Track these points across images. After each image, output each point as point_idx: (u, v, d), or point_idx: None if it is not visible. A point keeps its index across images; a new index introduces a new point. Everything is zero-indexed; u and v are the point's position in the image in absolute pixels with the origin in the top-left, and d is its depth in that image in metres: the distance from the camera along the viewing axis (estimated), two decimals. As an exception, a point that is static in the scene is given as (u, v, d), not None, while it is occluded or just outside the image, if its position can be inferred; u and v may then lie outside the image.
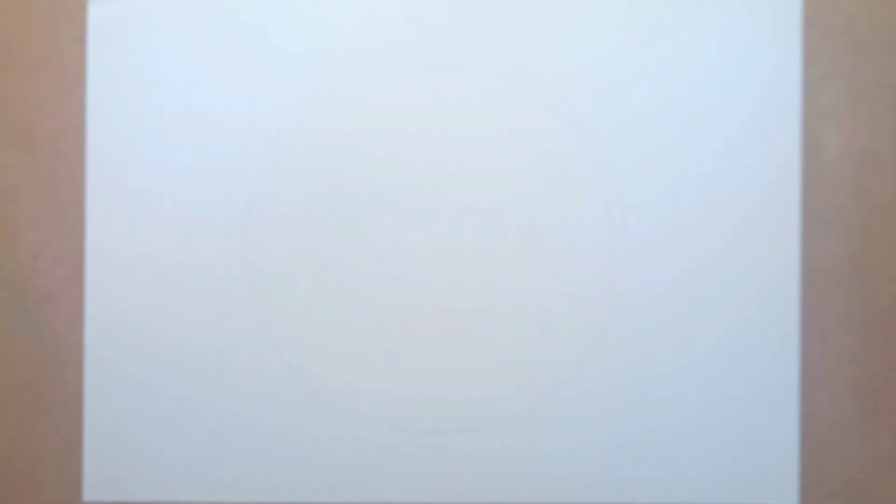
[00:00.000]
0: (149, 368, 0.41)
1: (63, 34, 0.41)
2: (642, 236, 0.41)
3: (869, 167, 0.42)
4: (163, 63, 0.41)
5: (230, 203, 0.41)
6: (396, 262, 0.41)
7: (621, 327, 0.41)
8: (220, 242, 0.41)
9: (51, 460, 0.41)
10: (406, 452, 0.41)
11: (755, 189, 0.41)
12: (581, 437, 0.41)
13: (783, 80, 0.42)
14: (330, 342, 0.41)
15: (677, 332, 0.41)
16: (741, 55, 0.42)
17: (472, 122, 0.42)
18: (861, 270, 0.41)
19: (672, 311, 0.41)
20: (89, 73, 0.41)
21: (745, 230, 0.41)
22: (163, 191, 0.41)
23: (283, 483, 0.41)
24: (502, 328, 0.41)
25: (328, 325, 0.41)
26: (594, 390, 0.41)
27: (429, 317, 0.41)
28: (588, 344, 0.41)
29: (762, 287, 0.41)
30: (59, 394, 0.41)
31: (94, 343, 0.41)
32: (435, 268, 0.41)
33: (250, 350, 0.41)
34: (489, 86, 0.42)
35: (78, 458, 0.41)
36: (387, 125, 0.42)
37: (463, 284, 0.41)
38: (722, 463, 0.41)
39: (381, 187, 0.42)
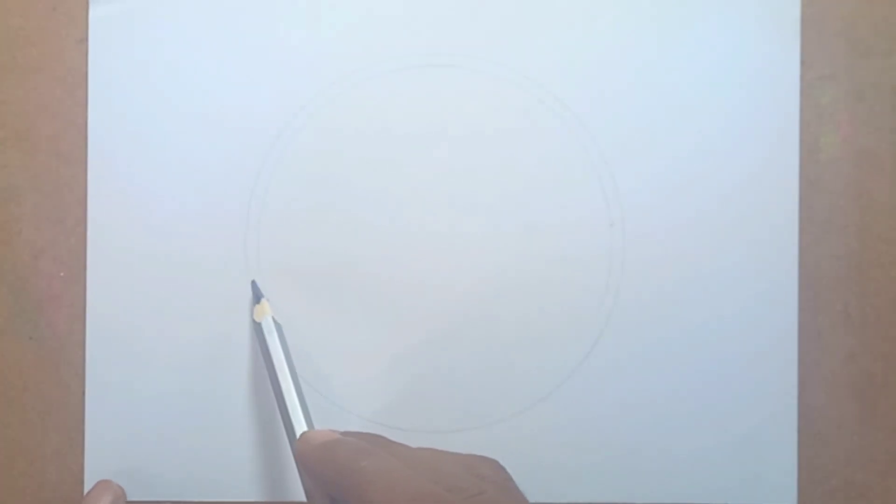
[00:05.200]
0: (149, 369, 0.41)
1: (64, 35, 0.41)
2: (641, 237, 0.42)
3: (867, 167, 0.42)
4: (163, 64, 0.41)
5: (231, 203, 0.41)
6: (396, 262, 0.41)
7: (620, 327, 0.41)
8: (220, 243, 0.41)
9: (52, 460, 0.41)
10: (406, 452, 0.41)
11: (753, 189, 0.41)
12: (580, 437, 0.41)
13: (781, 80, 0.42)
14: (331, 343, 0.41)
15: (676, 332, 0.41)
16: (740, 56, 0.42)
17: (472, 122, 0.42)
18: (859, 271, 0.42)
19: (670, 310, 0.41)
20: (90, 73, 0.41)
21: (744, 230, 0.41)
22: (164, 191, 0.41)
23: (284, 483, 0.41)
24: (502, 328, 0.41)
25: (329, 326, 0.41)
26: (593, 390, 0.41)
27: (429, 317, 0.41)
28: (587, 344, 0.42)
29: (760, 287, 0.41)
30: (59, 394, 0.41)
31: (94, 343, 0.41)
32: (435, 268, 0.41)
33: (251, 350, 0.41)
34: (488, 86, 0.42)
35: (79, 458, 0.41)
36: (388, 124, 0.42)
37: (462, 284, 0.41)
38: (720, 462, 0.41)
39: (381, 186, 0.42)
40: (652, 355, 0.41)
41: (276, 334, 0.39)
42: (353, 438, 0.34)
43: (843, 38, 0.42)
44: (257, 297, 0.41)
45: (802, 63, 0.42)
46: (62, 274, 0.41)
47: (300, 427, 0.37)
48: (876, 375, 0.42)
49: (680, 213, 0.42)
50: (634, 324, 0.41)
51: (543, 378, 0.41)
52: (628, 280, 0.41)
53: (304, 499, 0.36)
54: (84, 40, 0.41)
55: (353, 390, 0.41)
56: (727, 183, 0.42)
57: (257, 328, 0.40)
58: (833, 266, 0.42)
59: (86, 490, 0.41)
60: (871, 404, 0.42)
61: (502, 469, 0.33)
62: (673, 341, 0.41)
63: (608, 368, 0.41)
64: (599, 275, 0.42)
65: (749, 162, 0.42)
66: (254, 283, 0.41)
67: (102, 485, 0.40)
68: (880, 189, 0.42)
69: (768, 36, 0.42)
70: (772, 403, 0.41)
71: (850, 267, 0.42)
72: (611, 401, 0.41)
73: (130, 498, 0.41)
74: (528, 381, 0.41)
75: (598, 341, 0.41)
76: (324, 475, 0.33)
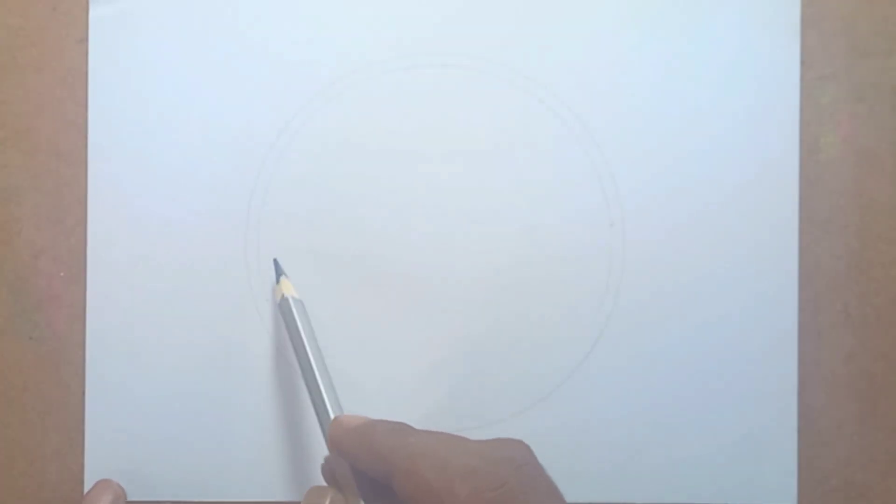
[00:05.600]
0: (149, 368, 0.41)
1: (64, 35, 0.41)
2: (642, 237, 0.42)
3: (867, 167, 0.42)
4: (163, 63, 0.41)
5: (231, 203, 0.41)
6: (397, 262, 0.41)
7: (620, 327, 0.41)
8: (220, 243, 0.41)
9: (52, 460, 0.41)
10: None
11: (753, 189, 0.41)
12: (580, 437, 0.41)
13: (781, 80, 0.42)
14: (331, 343, 0.41)
15: (676, 332, 0.41)
16: (740, 55, 0.42)
17: (472, 121, 0.42)
18: (859, 270, 0.42)
19: (671, 310, 0.41)
20: (90, 73, 0.41)
21: (744, 230, 0.41)
22: (164, 191, 0.41)
23: (284, 483, 0.41)
24: (502, 328, 0.41)
25: (329, 326, 0.41)
26: (593, 390, 0.41)
27: (428, 317, 0.41)
28: (587, 344, 0.42)
29: (760, 287, 0.41)
30: (59, 394, 0.41)
31: (94, 343, 0.41)
32: (435, 268, 0.42)
33: (250, 349, 0.41)
34: (488, 85, 0.42)
35: (79, 458, 0.41)
36: (387, 124, 0.42)
37: (462, 284, 0.41)
38: (721, 462, 0.41)
39: (380, 187, 0.42)
40: (652, 355, 0.41)
41: (294, 313, 0.39)
42: (385, 421, 0.35)
43: (843, 38, 0.42)
44: (278, 275, 0.40)
45: (802, 63, 0.42)
46: (62, 274, 0.41)
47: (327, 407, 0.37)
48: (876, 375, 0.42)
49: (680, 213, 0.42)
50: (634, 324, 0.41)
51: (544, 378, 0.41)
52: (628, 280, 0.41)
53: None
54: (84, 40, 0.41)
55: (352, 390, 0.41)
56: (727, 183, 0.42)
57: (279, 307, 0.40)
58: (833, 266, 0.42)
59: (86, 490, 0.41)
60: (871, 404, 0.42)
61: (528, 447, 0.33)
62: (673, 341, 0.41)
63: (608, 368, 0.41)
64: (599, 275, 0.42)
65: (749, 162, 0.42)
66: (276, 262, 0.41)
67: (102, 484, 0.40)
68: (880, 189, 0.42)
69: (768, 36, 0.42)
70: (772, 403, 0.41)
71: (850, 267, 0.42)
72: (611, 401, 0.41)
73: (130, 498, 0.41)
74: (528, 381, 0.41)
75: (598, 341, 0.41)
76: (362, 456, 0.33)
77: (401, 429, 0.33)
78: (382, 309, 0.41)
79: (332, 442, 0.35)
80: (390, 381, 0.41)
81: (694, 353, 0.41)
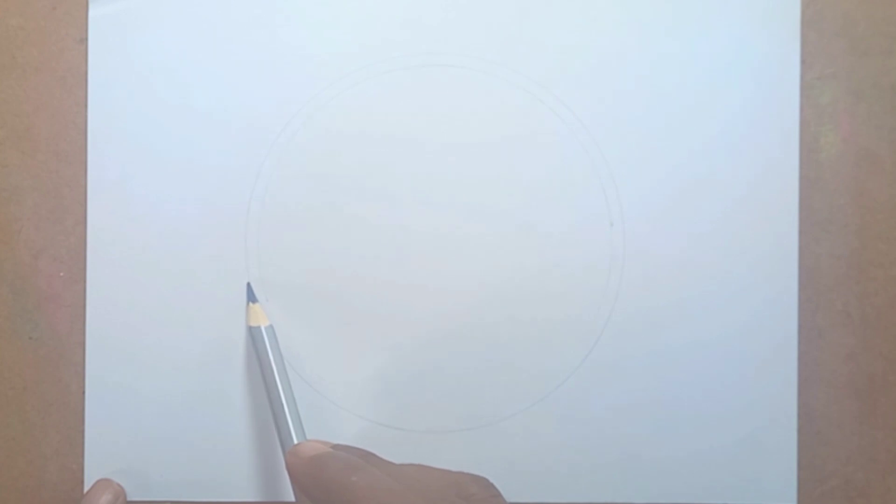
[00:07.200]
0: (149, 368, 0.41)
1: (64, 35, 0.41)
2: (641, 237, 0.42)
3: (866, 167, 0.42)
4: (163, 63, 0.41)
5: (230, 203, 0.41)
6: (397, 263, 0.41)
7: (620, 327, 0.41)
8: (220, 243, 0.41)
9: (52, 460, 0.41)
10: (406, 451, 0.41)
11: (753, 189, 0.41)
12: (580, 437, 0.41)
13: (781, 80, 0.42)
14: (331, 343, 0.41)
15: (676, 332, 0.41)
16: (740, 55, 0.42)
17: (471, 122, 0.42)
18: (858, 270, 0.42)
19: (670, 310, 0.41)
20: (90, 73, 0.41)
21: (743, 230, 0.41)
22: (163, 192, 0.41)
23: (283, 483, 0.41)
24: (502, 328, 0.41)
25: (329, 326, 0.41)
26: (593, 390, 0.41)
27: (428, 317, 0.41)
28: (587, 344, 0.42)
29: (760, 287, 0.41)
30: (59, 394, 0.41)
31: (94, 343, 0.41)
32: (435, 268, 0.42)
33: (250, 350, 0.41)
34: (488, 86, 0.42)
35: (79, 458, 0.41)
36: (387, 124, 0.42)
37: (462, 284, 0.41)
38: (720, 461, 0.41)
39: (381, 187, 0.42)
40: (652, 355, 0.41)
41: (266, 341, 0.39)
42: (343, 452, 0.35)
43: (843, 38, 0.42)
44: (250, 301, 0.41)
45: (802, 63, 0.42)
46: (62, 274, 0.41)
47: (291, 435, 0.38)
48: (876, 375, 0.42)
49: (680, 213, 0.42)
50: (634, 323, 0.41)
51: (543, 378, 0.41)
52: (628, 280, 0.41)
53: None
54: (84, 40, 0.41)
55: (352, 390, 0.41)
56: (727, 183, 0.42)
57: (249, 331, 0.40)
58: (833, 266, 0.42)
59: (85, 490, 0.41)
60: (871, 404, 0.42)
61: (491, 486, 0.34)
62: (673, 341, 0.41)
63: (608, 368, 0.41)
64: (599, 274, 0.42)
65: (749, 162, 0.42)
66: (248, 286, 0.41)
67: (102, 483, 0.40)
68: (880, 189, 0.42)
69: (768, 36, 0.42)
70: (772, 403, 0.41)
71: (850, 267, 0.42)
72: (611, 400, 0.41)
73: (130, 498, 0.41)
74: (527, 382, 0.41)
75: (598, 341, 0.41)
76: (313, 489, 0.33)
77: (352, 464, 0.33)
78: (382, 310, 0.41)
79: (287, 470, 0.35)
80: (389, 381, 0.41)
81: (694, 353, 0.41)
